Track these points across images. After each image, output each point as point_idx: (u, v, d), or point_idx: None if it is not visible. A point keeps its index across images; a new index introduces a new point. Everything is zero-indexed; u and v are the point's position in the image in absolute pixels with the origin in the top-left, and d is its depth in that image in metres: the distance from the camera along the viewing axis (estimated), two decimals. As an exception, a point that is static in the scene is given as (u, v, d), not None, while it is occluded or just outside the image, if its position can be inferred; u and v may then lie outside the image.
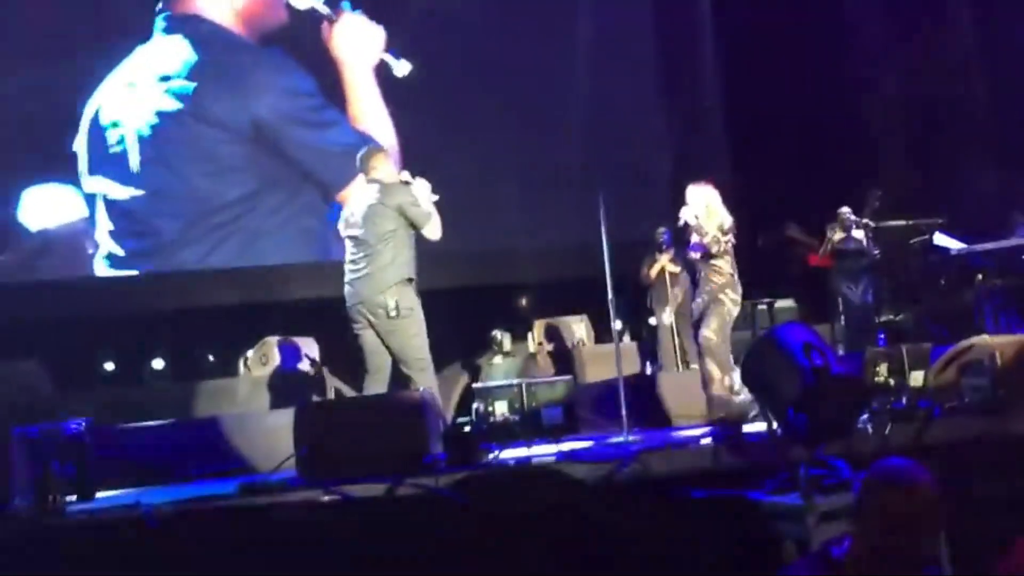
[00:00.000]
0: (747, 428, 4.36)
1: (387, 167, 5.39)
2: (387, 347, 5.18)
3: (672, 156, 9.67)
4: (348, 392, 7.19)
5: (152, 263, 8.47)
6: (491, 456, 4.44)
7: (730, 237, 5.71)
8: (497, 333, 8.26)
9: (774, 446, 3.98)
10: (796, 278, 8.71)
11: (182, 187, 8.37)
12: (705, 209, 5.69)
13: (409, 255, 5.23)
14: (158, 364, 8.38)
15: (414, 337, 5.14)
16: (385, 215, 5.14)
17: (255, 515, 3.69)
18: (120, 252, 8.41)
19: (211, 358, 8.59)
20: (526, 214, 9.38)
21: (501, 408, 4.60)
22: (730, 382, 5.53)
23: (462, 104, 9.01)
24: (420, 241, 5.38)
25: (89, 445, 4.46)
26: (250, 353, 7.91)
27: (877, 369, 4.61)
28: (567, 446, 4.58)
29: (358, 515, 3.75)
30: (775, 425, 4.12)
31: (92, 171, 8.33)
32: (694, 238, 5.73)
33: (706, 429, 4.42)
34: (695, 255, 5.75)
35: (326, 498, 3.77)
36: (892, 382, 4.56)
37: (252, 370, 7.81)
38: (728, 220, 5.71)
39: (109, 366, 8.41)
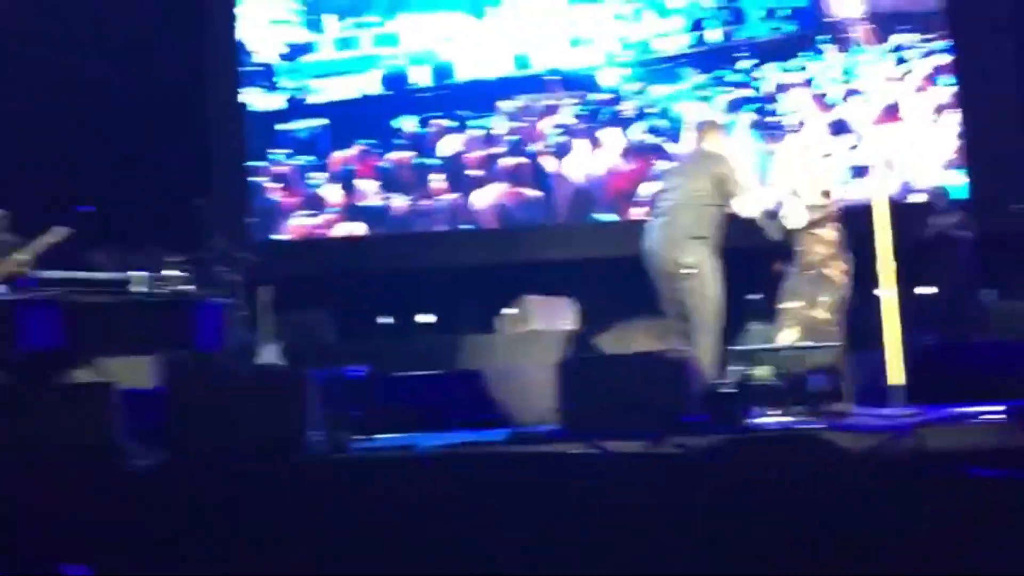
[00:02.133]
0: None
1: (719, 143, 5.39)
2: (677, 301, 5.15)
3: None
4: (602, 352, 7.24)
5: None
6: (752, 420, 4.36)
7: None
8: (754, 297, 8.01)
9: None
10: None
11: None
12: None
13: (711, 219, 5.14)
14: (425, 319, 8.89)
15: (703, 298, 5.06)
16: (701, 178, 5.14)
17: (521, 462, 3.85)
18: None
19: (471, 315, 8.99)
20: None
21: (763, 372, 4.49)
22: None
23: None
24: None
25: (372, 391, 4.85)
26: (508, 311, 8.19)
27: None
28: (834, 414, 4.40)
29: (617, 469, 3.82)
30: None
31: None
32: None
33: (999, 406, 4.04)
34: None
35: (586, 451, 3.86)
36: None
37: (510, 327, 8.09)
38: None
39: (383, 319, 9.04)
